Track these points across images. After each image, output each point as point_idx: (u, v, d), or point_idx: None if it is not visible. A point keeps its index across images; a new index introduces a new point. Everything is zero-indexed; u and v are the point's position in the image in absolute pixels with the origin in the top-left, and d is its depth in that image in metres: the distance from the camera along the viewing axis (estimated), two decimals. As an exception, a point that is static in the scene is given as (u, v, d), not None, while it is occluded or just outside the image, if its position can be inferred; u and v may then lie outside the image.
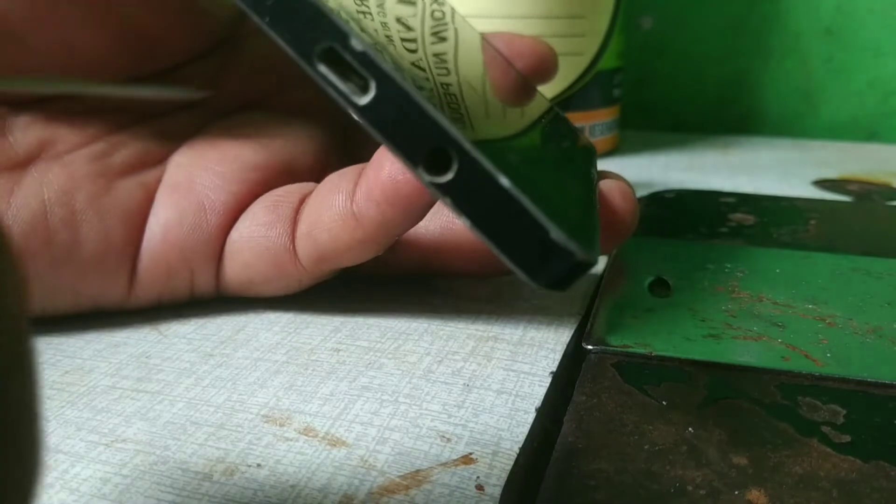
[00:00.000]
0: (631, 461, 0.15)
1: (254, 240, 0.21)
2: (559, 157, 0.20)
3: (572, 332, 0.21)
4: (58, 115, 0.20)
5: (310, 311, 0.22)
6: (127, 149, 0.21)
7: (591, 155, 0.23)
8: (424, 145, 0.12)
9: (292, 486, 0.15)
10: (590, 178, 0.20)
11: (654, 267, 0.24)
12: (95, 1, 0.19)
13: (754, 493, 0.14)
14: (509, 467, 0.15)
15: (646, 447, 0.16)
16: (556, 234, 0.12)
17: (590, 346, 0.20)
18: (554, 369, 0.19)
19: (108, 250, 0.20)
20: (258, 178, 0.21)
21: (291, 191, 0.21)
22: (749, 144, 0.47)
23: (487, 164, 0.12)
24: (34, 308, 0.20)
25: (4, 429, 0.07)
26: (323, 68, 0.12)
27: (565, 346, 0.20)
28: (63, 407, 0.17)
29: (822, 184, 0.37)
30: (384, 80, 0.12)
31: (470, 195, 0.12)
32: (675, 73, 0.52)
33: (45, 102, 0.20)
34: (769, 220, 0.30)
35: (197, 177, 0.21)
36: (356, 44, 0.12)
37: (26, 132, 0.20)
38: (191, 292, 0.21)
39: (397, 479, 0.15)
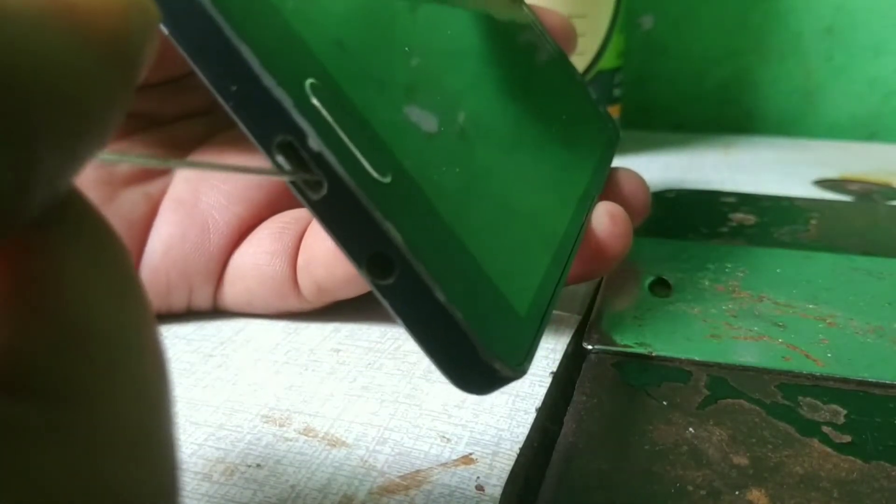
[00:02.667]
0: (631, 461, 0.15)
1: (258, 267, 0.21)
2: (550, 178, 0.19)
3: (572, 332, 0.21)
4: None
5: (310, 311, 0.22)
6: None
7: (604, 151, 0.23)
8: (368, 248, 0.12)
9: (292, 487, 0.15)
10: (585, 200, 0.20)
11: (654, 267, 0.24)
12: None
13: (755, 494, 0.14)
14: (509, 467, 0.15)
15: (646, 447, 0.16)
16: (483, 354, 0.12)
17: (590, 346, 0.20)
18: (554, 369, 0.19)
19: None
20: (262, 198, 0.21)
21: (298, 218, 0.21)
22: (749, 144, 0.47)
23: (426, 276, 0.12)
24: None
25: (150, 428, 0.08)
26: (280, 159, 0.12)
27: (565, 346, 0.20)
28: (62, 407, 0.17)
29: (823, 183, 0.37)
30: (336, 182, 0.12)
31: (407, 302, 0.13)
32: (675, 73, 0.52)
33: None
34: (770, 219, 0.30)
35: (202, 194, 0.21)
36: (313, 143, 0.12)
37: None
38: (188, 308, 0.22)
39: (397, 480, 0.15)
